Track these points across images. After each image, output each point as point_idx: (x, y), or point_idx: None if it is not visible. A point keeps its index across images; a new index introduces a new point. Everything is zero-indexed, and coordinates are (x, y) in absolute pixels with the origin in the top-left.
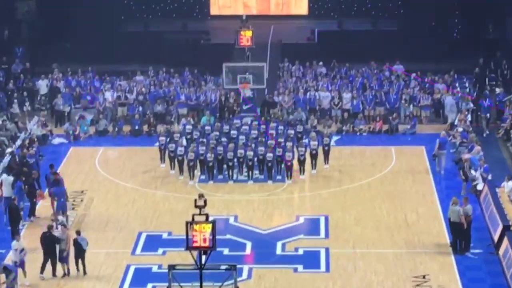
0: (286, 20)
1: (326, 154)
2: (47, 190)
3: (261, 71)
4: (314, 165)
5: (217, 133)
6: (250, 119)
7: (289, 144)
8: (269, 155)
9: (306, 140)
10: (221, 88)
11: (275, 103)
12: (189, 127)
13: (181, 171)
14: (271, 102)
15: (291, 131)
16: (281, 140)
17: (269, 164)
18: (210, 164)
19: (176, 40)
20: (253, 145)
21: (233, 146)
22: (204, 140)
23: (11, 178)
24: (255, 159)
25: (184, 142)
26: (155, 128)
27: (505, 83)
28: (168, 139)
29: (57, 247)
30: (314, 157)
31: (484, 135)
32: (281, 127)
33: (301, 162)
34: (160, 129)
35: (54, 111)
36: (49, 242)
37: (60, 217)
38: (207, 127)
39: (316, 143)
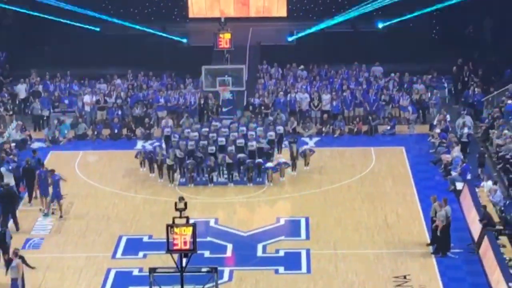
0: (265, 22)
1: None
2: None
3: (240, 73)
4: (294, 167)
5: (196, 134)
6: (229, 121)
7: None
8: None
9: (286, 142)
10: (200, 91)
11: (267, 105)
12: (168, 129)
13: (160, 174)
14: (263, 104)
15: (272, 133)
16: (262, 142)
17: (248, 166)
18: (190, 166)
19: (155, 43)
20: (233, 147)
21: (213, 149)
22: (184, 142)
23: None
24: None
25: (164, 145)
26: (135, 132)
27: (483, 83)
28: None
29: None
30: (294, 159)
31: None
32: (260, 128)
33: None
34: (139, 133)
35: (32, 115)
36: None
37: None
38: (186, 130)
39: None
